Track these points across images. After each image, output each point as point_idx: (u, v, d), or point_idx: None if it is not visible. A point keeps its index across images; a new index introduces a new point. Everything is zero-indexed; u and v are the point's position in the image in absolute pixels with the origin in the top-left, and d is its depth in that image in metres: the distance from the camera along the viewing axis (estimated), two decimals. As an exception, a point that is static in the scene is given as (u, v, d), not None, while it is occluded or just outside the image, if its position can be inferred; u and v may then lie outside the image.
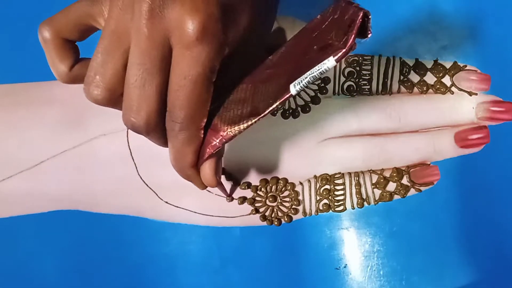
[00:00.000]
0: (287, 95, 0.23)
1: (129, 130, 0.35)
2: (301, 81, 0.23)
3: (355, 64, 0.34)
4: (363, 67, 0.34)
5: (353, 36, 0.22)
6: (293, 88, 0.23)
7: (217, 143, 0.26)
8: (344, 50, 0.22)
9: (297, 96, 0.34)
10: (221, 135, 0.25)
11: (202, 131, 0.26)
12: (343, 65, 0.34)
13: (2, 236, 0.36)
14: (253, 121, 0.25)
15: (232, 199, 0.34)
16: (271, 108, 0.24)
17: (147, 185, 0.35)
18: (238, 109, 0.26)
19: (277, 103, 0.24)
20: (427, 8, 0.34)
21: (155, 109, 0.25)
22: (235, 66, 0.27)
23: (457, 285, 0.32)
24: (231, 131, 0.25)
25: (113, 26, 0.24)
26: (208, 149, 0.26)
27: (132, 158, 0.35)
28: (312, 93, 0.34)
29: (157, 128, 0.26)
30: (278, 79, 0.25)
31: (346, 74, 0.34)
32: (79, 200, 0.35)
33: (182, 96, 0.24)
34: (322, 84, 0.34)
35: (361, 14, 0.22)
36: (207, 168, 0.27)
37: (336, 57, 0.22)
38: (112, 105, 0.26)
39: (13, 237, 0.36)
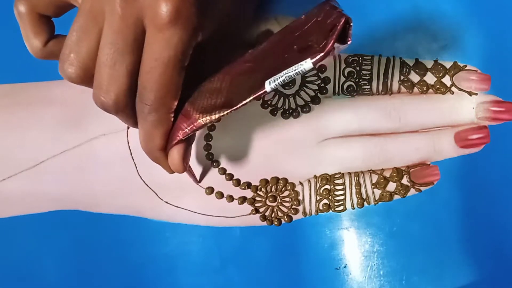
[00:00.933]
0: (262, 91, 0.24)
1: (129, 130, 0.35)
2: (277, 79, 0.23)
3: (355, 64, 0.34)
4: (363, 67, 0.34)
5: (332, 41, 0.22)
6: (268, 85, 0.23)
7: (188, 130, 0.26)
8: (322, 54, 0.22)
9: (297, 96, 0.34)
10: (192, 123, 0.26)
11: (172, 115, 0.26)
12: (343, 65, 0.34)
13: (2, 236, 0.36)
14: (225, 112, 0.25)
15: (200, 184, 0.35)
16: (244, 102, 0.24)
17: (147, 185, 0.35)
18: (212, 99, 0.26)
19: (251, 98, 0.24)
20: (427, 8, 0.34)
21: (125, 89, 0.25)
22: (211, 54, 0.27)
23: (457, 285, 0.32)
24: (202, 120, 0.25)
25: (89, 5, 0.24)
26: (178, 135, 0.26)
27: (132, 158, 0.35)
28: (312, 93, 0.34)
29: (126, 109, 0.26)
30: (255, 74, 0.25)
31: (346, 74, 0.34)
32: (79, 200, 0.35)
33: (153, 78, 0.24)
34: (322, 84, 0.34)
35: (343, 20, 0.22)
36: (175, 154, 0.27)
37: (313, 60, 0.22)
38: (86, 83, 0.26)
39: (13, 237, 0.36)
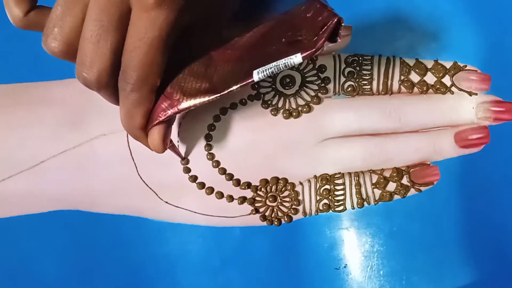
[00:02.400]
0: (249, 80, 0.24)
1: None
2: (266, 69, 0.24)
3: (355, 64, 0.34)
4: (363, 67, 0.34)
5: (323, 39, 0.23)
6: (256, 75, 0.24)
7: (170, 112, 0.26)
8: (312, 50, 0.23)
9: (297, 96, 0.34)
10: (175, 105, 0.26)
11: (154, 95, 0.26)
12: (343, 65, 0.34)
13: (2, 236, 0.36)
14: (210, 98, 0.25)
15: (187, 161, 0.35)
16: (230, 90, 0.25)
17: (147, 185, 0.35)
18: (197, 83, 0.26)
19: (238, 86, 0.25)
20: (427, 8, 0.34)
21: (107, 66, 0.25)
22: (197, 38, 0.27)
23: (457, 285, 0.32)
24: (185, 103, 0.26)
25: None
26: (159, 115, 0.26)
27: (132, 158, 0.35)
28: (313, 93, 0.34)
29: (108, 86, 0.26)
30: (241, 63, 0.26)
31: (346, 74, 0.34)
32: (79, 200, 0.35)
33: (136, 58, 0.24)
34: (323, 84, 0.34)
35: (335, 20, 0.23)
36: (155, 134, 0.27)
37: (303, 55, 0.23)
38: (69, 58, 0.26)
39: (13, 237, 0.36)
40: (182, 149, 0.35)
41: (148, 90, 0.26)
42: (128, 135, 0.35)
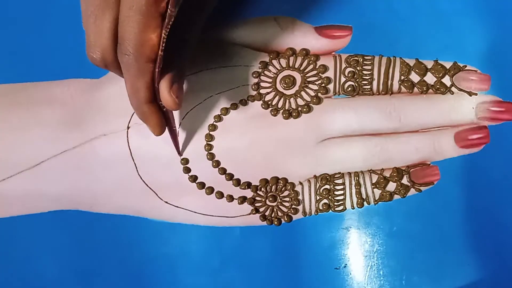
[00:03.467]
0: None
1: (129, 130, 0.35)
2: None
3: (356, 64, 0.34)
4: (364, 67, 0.34)
5: None
6: None
7: (158, 63, 0.26)
8: None
9: (297, 97, 0.34)
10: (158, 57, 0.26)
11: (152, 64, 0.26)
12: (344, 65, 0.34)
13: (2, 236, 0.36)
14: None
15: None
16: None
17: (147, 185, 0.35)
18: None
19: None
20: (427, 8, 0.34)
21: (109, 44, 0.26)
22: (193, 15, 0.28)
23: (457, 285, 0.32)
24: (170, 10, 0.25)
25: None
26: (155, 70, 0.26)
27: (132, 158, 0.35)
28: (313, 93, 0.34)
29: (114, 63, 0.26)
30: None
31: (346, 74, 0.34)
32: (79, 200, 0.35)
33: (129, 28, 0.24)
34: (323, 84, 0.34)
35: None
36: (163, 88, 0.27)
37: None
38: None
39: (13, 237, 0.36)
40: (182, 148, 0.35)
41: (145, 59, 0.26)
42: (128, 135, 0.35)
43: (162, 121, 0.30)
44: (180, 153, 0.35)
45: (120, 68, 0.27)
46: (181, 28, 0.28)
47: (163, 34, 0.25)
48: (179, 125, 0.35)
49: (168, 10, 0.24)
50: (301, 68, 0.35)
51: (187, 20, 0.29)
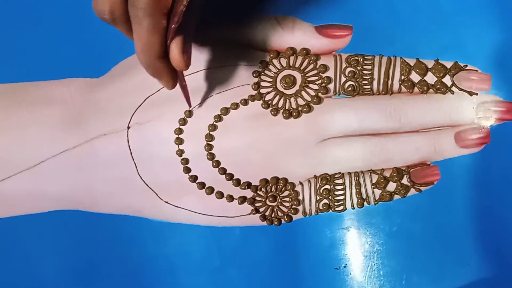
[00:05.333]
0: None
1: (129, 130, 0.35)
2: None
3: (356, 64, 0.34)
4: (364, 67, 0.34)
5: None
6: None
7: (177, 18, 0.25)
8: None
9: (298, 96, 0.34)
10: (177, 12, 0.25)
11: (166, 18, 0.25)
12: (344, 65, 0.34)
13: (2, 236, 0.36)
14: None
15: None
16: None
17: (147, 185, 0.35)
18: None
19: None
20: (428, 8, 0.34)
21: None
22: None
23: (457, 285, 0.32)
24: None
25: None
26: (171, 27, 0.26)
27: (132, 158, 0.35)
28: (313, 93, 0.34)
29: (122, 18, 0.26)
30: None
31: (347, 74, 0.34)
32: (79, 200, 0.35)
33: None
34: (323, 84, 0.34)
35: None
36: (174, 49, 0.27)
37: None
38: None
39: (13, 237, 0.36)
40: (182, 148, 0.35)
41: (160, 13, 0.25)
42: (128, 135, 0.35)
43: (175, 75, 0.29)
44: (190, 105, 0.34)
45: (127, 24, 0.26)
46: None
47: None
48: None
49: None
50: (302, 68, 0.35)
51: None
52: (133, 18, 0.25)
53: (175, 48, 0.27)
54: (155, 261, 0.35)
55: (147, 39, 0.26)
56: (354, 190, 0.33)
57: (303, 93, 0.34)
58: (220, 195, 0.34)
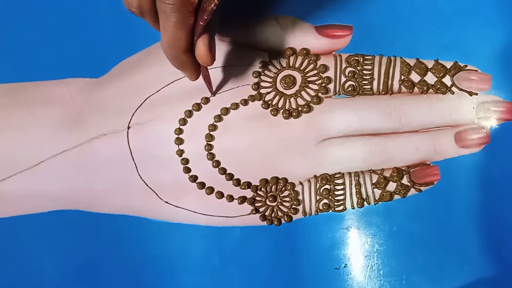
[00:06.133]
0: None
1: (129, 130, 0.35)
2: None
3: (356, 64, 0.34)
4: (364, 67, 0.34)
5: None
6: None
7: (206, 16, 0.26)
8: None
9: (298, 96, 0.34)
10: (207, 9, 0.26)
11: (193, 15, 0.26)
12: (344, 65, 0.34)
13: (2, 236, 0.36)
14: None
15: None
16: None
17: (147, 185, 0.35)
18: None
19: None
20: (428, 8, 0.34)
21: None
22: None
23: (457, 285, 0.32)
24: None
25: None
26: (199, 23, 0.26)
27: (132, 158, 0.35)
28: (313, 93, 0.34)
29: (151, 11, 0.26)
30: None
31: (347, 74, 0.34)
32: (79, 200, 0.35)
33: None
34: (323, 84, 0.34)
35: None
36: (201, 45, 0.28)
37: None
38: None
39: (13, 237, 0.36)
40: (182, 148, 0.35)
41: (188, 10, 0.26)
42: (128, 135, 0.35)
43: (199, 67, 0.30)
44: (213, 93, 0.35)
45: (155, 18, 0.27)
46: None
47: None
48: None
49: None
50: (302, 68, 0.35)
51: None
52: (161, 13, 0.26)
53: (202, 45, 0.28)
54: (155, 261, 0.35)
55: (174, 33, 0.27)
56: (354, 190, 0.33)
57: (303, 93, 0.34)
58: (220, 195, 0.34)
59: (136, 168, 0.35)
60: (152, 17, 0.27)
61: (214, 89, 0.35)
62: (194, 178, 0.35)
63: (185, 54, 0.28)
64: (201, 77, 0.32)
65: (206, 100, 0.35)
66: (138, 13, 0.27)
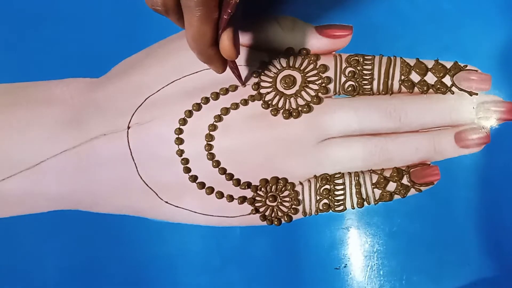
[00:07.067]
0: None
1: (129, 130, 0.35)
2: None
3: (356, 64, 0.34)
4: (364, 67, 0.34)
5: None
6: None
7: (229, 9, 0.26)
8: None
9: (298, 96, 0.34)
10: (231, 3, 0.26)
11: (218, 9, 0.26)
12: (344, 65, 0.34)
13: (2, 236, 0.36)
14: None
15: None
16: None
17: (147, 185, 0.35)
18: None
19: None
20: (428, 8, 0.34)
21: None
22: None
23: (457, 285, 0.32)
24: None
25: None
26: (223, 18, 0.27)
27: (132, 158, 0.35)
28: (313, 93, 0.34)
29: (175, 8, 0.27)
30: None
31: (347, 74, 0.34)
32: (79, 200, 0.35)
33: None
34: (323, 84, 0.34)
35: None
36: (225, 40, 0.28)
37: None
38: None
39: (13, 237, 0.36)
40: (182, 148, 0.35)
41: (213, 3, 0.26)
42: (128, 135, 0.35)
43: (225, 60, 0.30)
44: (244, 84, 0.35)
45: (179, 14, 0.27)
46: None
47: None
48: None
49: None
50: (302, 68, 0.35)
51: None
52: (185, 8, 0.26)
53: (226, 39, 0.28)
54: (156, 261, 0.35)
55: (199, 27, 0.27)
56: (354, 190, 0.33)
57: (303, 93, 0.34)
58: (220, 195, 0.34)
59: (136, 168, 0.35)
60: (176, 14, 0.27)
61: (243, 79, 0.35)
62: (194, 178, 0.35)
63: (211, 48, 0.28)
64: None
65: (206, 100, 0.35)
66: (163, 11, 0.27)
